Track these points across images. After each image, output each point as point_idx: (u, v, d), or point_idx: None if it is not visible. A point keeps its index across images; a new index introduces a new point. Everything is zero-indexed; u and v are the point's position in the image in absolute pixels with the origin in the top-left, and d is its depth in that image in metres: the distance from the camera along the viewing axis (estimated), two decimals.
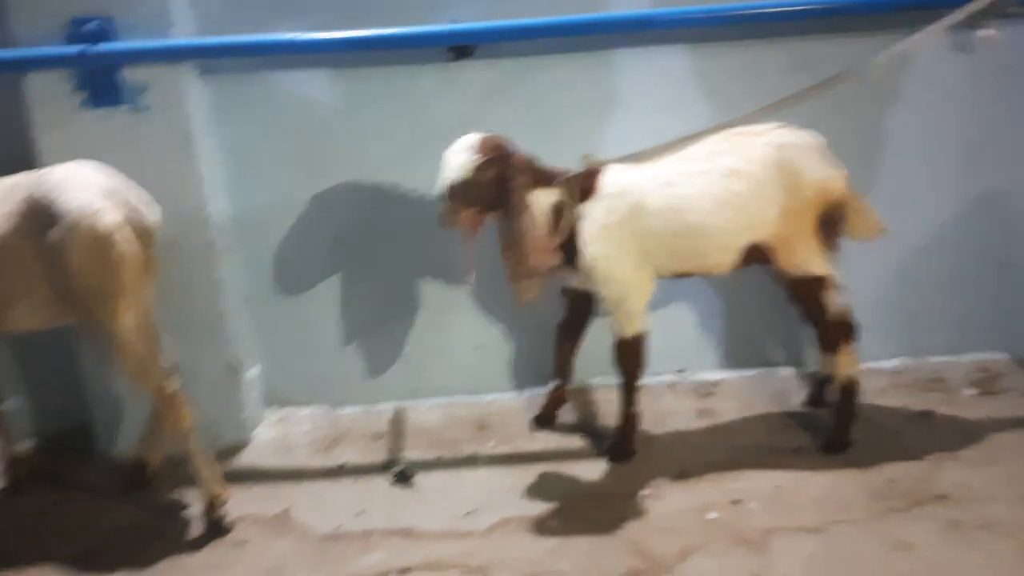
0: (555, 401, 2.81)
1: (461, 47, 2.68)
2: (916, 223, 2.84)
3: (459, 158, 2.32)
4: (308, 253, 2.88)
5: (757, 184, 2.35)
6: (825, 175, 2.38)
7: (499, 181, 2.33)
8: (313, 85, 2.72)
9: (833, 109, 2.54)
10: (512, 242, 2.36)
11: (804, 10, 2.57)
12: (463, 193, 2.31)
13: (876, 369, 2.93)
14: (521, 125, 2.73)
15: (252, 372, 2.91)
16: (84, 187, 2.15)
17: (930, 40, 2.46)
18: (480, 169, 2.31)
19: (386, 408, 2.99)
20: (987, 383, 2.88)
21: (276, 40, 2.55)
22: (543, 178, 2.41)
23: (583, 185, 2.41)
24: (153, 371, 2.28)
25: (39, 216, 2.13)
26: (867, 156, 2.76)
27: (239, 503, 2.46)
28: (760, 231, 2.39)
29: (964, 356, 3.00)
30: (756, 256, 2.43)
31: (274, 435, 2.89)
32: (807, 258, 2.41)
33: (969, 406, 2.77)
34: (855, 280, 2.62)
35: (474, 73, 2.72)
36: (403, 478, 2.58)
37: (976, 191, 2.86)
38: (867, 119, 2.78)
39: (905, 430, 2.65)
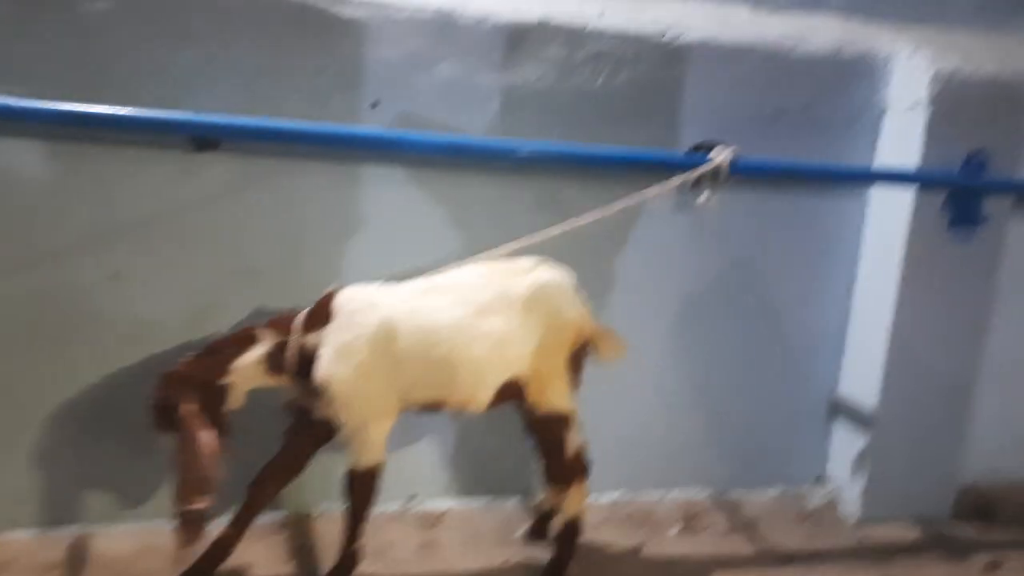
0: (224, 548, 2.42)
1: (204, 138, 2.51)
2: (635, 361, 3.01)
3: None
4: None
5: (515, 322, 2.36)
6: (580, 312, 2.46)
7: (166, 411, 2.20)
8: (20, 158, 2.40)
9: (572, 246, 2.66)
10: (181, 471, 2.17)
11: (549, 153, 2.73)
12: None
13: (592, 503, 3.01)
14: (261, 230, 2.62)
15: None
16: None
17: (657, 197, 2.72)
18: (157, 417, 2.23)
19: (64, 534, 2.58)
20: (690, 520, 3.06)
21: None
22: (227, 355, 2.25)
23: (319, 312, 2.30)
24: None
25: None
26: (601, 296, 2.91)
27: None
28: (516, 368, 2.38)
29: (671, 491, 3.18)
30: (511, 393, 2.42)
31: None
32: (556, 395, 2.44)
33: (673, 543, 2.92)
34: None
35: (218, 168, 2.55)
36: None
37: (692, 335, 3.11)
38: (602, 262, 2.95)
39: (614, 567, 2.72)
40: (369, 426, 2.32)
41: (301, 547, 2.66)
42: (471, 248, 2.62)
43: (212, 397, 2.22)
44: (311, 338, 2.27)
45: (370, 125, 2.64)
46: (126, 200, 2.50)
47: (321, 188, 2.65)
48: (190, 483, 2.12)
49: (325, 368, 2.25)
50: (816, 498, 3.26)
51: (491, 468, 3.02)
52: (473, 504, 2.99)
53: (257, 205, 2.60)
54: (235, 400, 2.28)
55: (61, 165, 2.43)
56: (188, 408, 2.16)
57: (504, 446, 2.97)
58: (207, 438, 2.14)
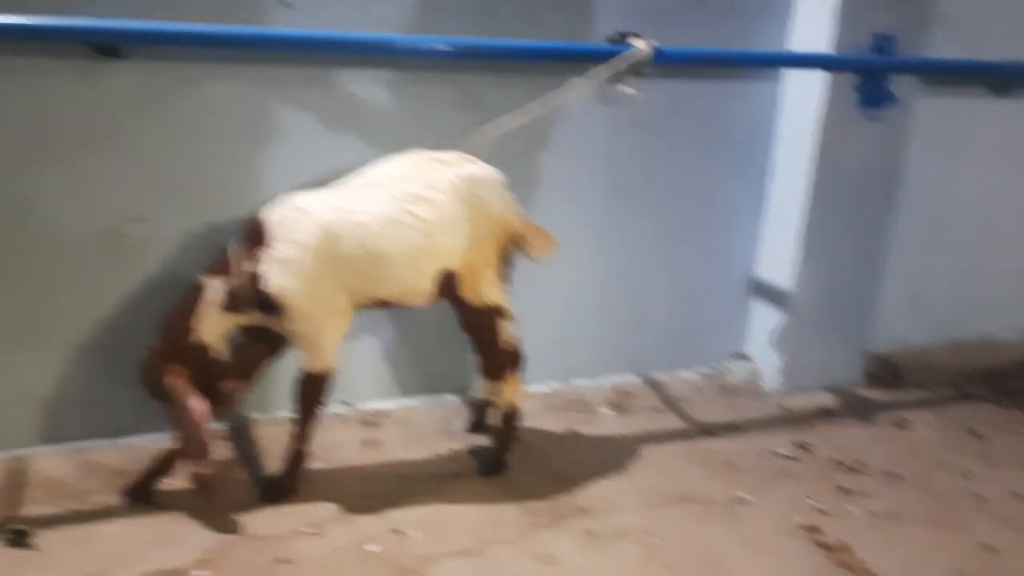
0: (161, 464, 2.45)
1: (106, 46, 2.40)
2: (564, 258, 3.09)
3: None
4: None
5: (444, 212, 2.38)
6: (507, 209, 2.49)
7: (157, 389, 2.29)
8: None
9: (496, 148, 2.67)
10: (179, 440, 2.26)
11: (467, 48, 2.69)
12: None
13: (529, 393, 3.13)
14: (175, 139, 2.54)
15: None
16: None
17: (582, 91, 2.73)
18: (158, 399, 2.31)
19: (2, 456, 2.55)
20: (621, 402, 3.21)
21: None
22: (187, 315, 2.29)
23: (253, 237, 2.30)
24: None
25: None
26: (526, 194, 2.94)
27: None
28: (450, 259, 2.42)
29: (603, 379, 3.32)
30: (446, 286, 2.46)
31: None
32: (487, 288, 2.49)
33: (607, 424, 3.07)
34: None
35: (124, 76, 2.45)
36: (19, 538, 2.21)
37: (617, 227, 3.19)
38: (526, 160, 2.97)
39: (554, 450, 2.86)
40: (324, 332, 2.35)
41: (247, 453, 2.71)
42: (391, 151, 2.59)
43: (193, 358, 2.28)
44: (254, 266, 2.27)
45: (281, 25, 2.55)
46: (28, 114, 2.38)
47: (234, 94, 2.57)
48: (191, 449, 2.20)
49: (276, 286, 2.26)
50: (737, 374, 3.45)
51: (428, 367, 3.09)
52: (413, 402, 3.07)
53: (169, 114, 2.52)
54: (217, 349, 2.32)
55: None
56: (172, 381, 2.22)
57: (439, 345, 3.04)
58: (196, 405, 2.20)
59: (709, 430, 3.06)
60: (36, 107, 2.39)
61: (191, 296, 2.30)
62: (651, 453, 2.87)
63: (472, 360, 2.70)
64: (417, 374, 3.08)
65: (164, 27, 2.36)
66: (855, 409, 3.31)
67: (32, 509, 2.36)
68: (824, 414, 3.26)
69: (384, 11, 2.67)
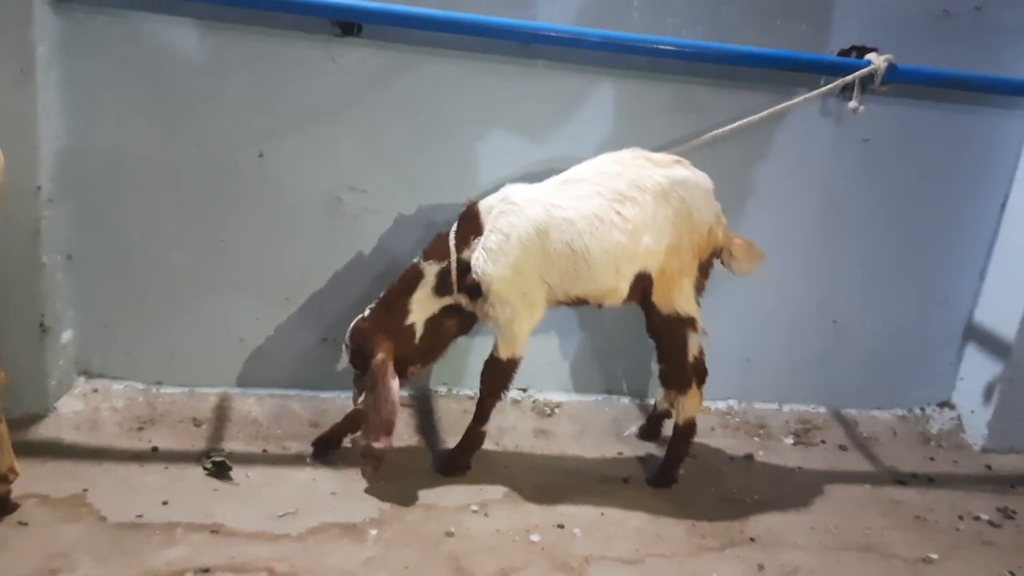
0: (349, 425, 2.58)
1: (348, 23, 2.54)
2: (764, 273, 2.96)
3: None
4: (145, 214, 2.64)
5: (648, 213, 2.35)
6: (713, 218, 2.43)
7: (361, 359, 2.40)
8: (178, 34, 2.50)
9: (708, 156, 2.60)
10: (367, 414, 2.34)
11: (691, 50, 2.63)
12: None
13: (706, 408, 3.03)
14: (400, 117, 2.66)
15: (64, 336, 2.64)
16: None
17: (808, 103, 2.61)
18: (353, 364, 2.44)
19: (211, 393, 2.79)
20: (805, 434, 3.04)
21: None
22: (405, 292, 2.40)
23: (468, 225, 2.37)
24: None
25: None
26: (735, 205, 2.84)
27: (28, 479, 2.21)
28: (648, 262, 2.39)
29: (787, 405, 3.15)
30: (640, 288, 2.43)
31: (80, 408, 2.63)
32: (680, 297, 2.44)
33: (787, 454, 2.92)
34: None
35: (359, 54, 2.59)
36: (220, 470, 2.41)
37: (825, 251, 3.02)
38: (739, 170, 2.87)
39: (728, 472, 2.75)
40: (519, 321, 2.39)
41: (426, 424, 2.81)
42: (605, 148, 2.58)
43: (401, 339, 2.39)
44: (467, 253, 2.35)
45: (513, 17, 2.60)
46: (273, 82, 2.58)
47: (460, 80, 2.65)
48: (375, 424, 2.30)
49: (485, 273, 2.33)
50: (940, 423, 3.17)
51: (606, 367, 3.07)
52: (587, 399, 3.06)
53: (397, 93, 2.64)
54: (419, 332, 2.41)
55: (213, 46, 2.52)
56: (380, 359, 2.33)
57: (620, 346, 3.02)
58: (393, 387, 2.31)
59: (900, 479, 2.84)
60: (280, 76, 2.58)
61: (410, 278, 2.40)
62: (833, 493, 2.69)
63: (654, 367, 2.65)
64: (595, 372, 3.07)
65: (401, 9, 2.47)
66: None
67: (232, 445, 2.56)
68: None
69: (612, 10, 2.66)
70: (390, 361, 2.34)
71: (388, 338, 2.37)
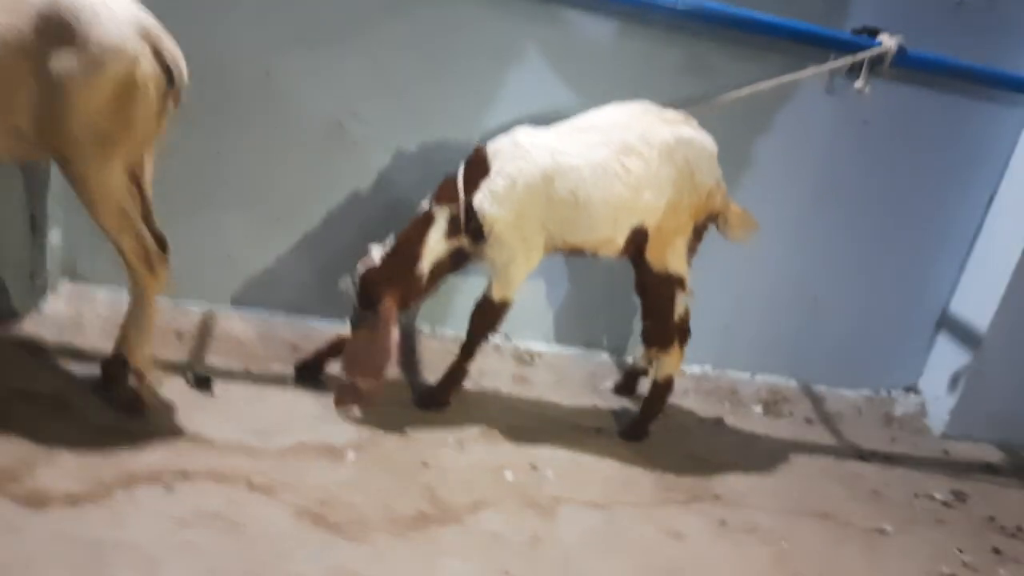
0: (333, 351, 2.58)
1: None
2: (751, 244, 3.00)
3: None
4: None
5: (652, 168, 2.36)
6: (714, 181, 2.45)
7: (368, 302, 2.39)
8: None
9: (709, 119, 2.60)
10: (355, 349, 2.36)
11: (708, 11, 2.63)
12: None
13: (681, 372, 3.07)
14: (408, 47, 2.62)
15: (52, 236, 2.61)
16: (121, 20, 1.89)
17: (815, 77, 2.63)
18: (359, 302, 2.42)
19: (197, 308, 2.78)
20: (774, 404, 3.12)
21: None
22: (414, 239, 2.38)
23: (476, 168, 2.37)
24: (134, 227, 2.06)
25: (55, 37, 1.83)
26: (732, 172, 2.84)
27: (9, 375, 2.21)
28: (646, 217, 2.41)
29: (759, 376, 3.22)
30: (637, 244, 2.45)
31: (64, 310, 2.61)
32: (673, 256, 2.47)
33: (755, 421, 3.00)
34: None
35: None
36: (202, 383, 2.42)
37: (812, 227, 3.06)
38: (739, 138, 2.88)
39: (698, 432, 2.82)
40: (516, 265, 2.42)
41: (409, 359, 2.83)
42: (611, 100, 2.58)
43: (409, 285, 2.38)
44: (476, 196, 2.35)
45: None
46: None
47: (476, 17, 2.63)
48: (366, 366, 2.32)
49: (488, 214, 2.33)
50: (904, 407, 3.26)
51: (588, 320, 3.10)
52: (566, 351, 3.09)
53: (413, 21, 2.60)
54: (427, 278, 2.41)
55: None
56: (387, 306, 2.33)
57: (603, 301, 3.05)
58: (394, 336, 2.31)
59: (862, 454, 2.93)
60: None
61: (422, 223, 2.39)
62: (797, 462, 2.78)
63: (635, 324, 2.69)
64: (576, 325, 3.10)
65: None
66: (1022, 474, 3.07)
67: (215, 361, 2.57)
68: (988, 468, 3.04)
69: None
70: (394, 305, 2.34)
71: (398, 286, 2.36)
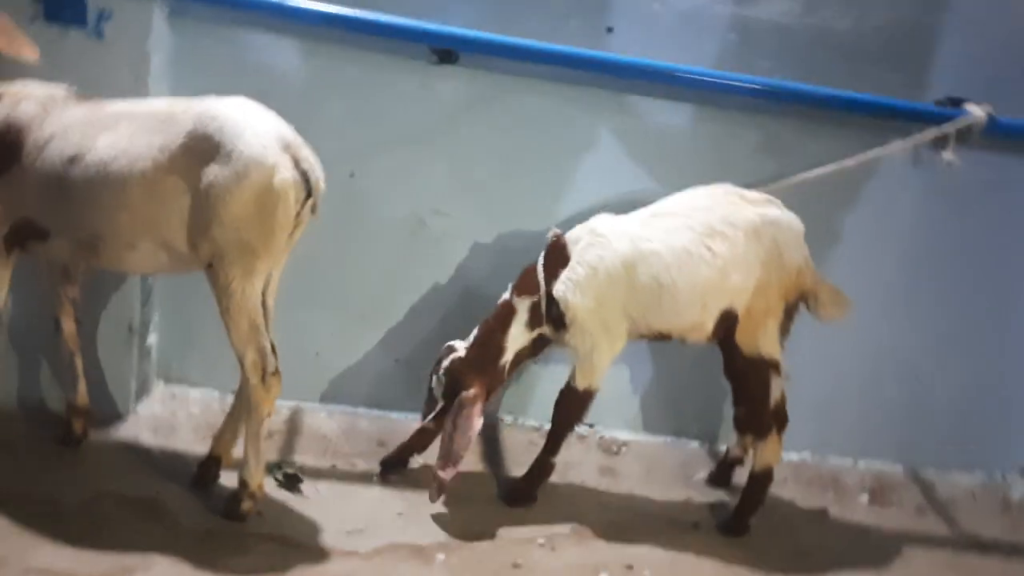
0: (416, 445, 2.57)
1: (446, 51, 2.59)
2: (846, 323, 2.89)
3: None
4: None
5: (739, 250, 2.33)
6: (803, 260, 2.39)
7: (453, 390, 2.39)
8: (283, 54, 2.57)
9: (793, 197, 2.56)
10: (444, 440, 2.34)
11: (782, 91, 2.61)
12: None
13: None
14: (488, 145, 2.69)
15: (148, 340, 2.69)
16: (263, 133, 2.01)
17: (900, 151, 2.57)
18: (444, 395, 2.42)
19: (284, 405, 2.80)
20: (881, 492, 2.93)
21: None
22: (500, 327, 2.39)
23: (554, 257, 2.38)
24: (260, 341, 2.11)
25: (204, 152, 1.96)
26: (817, 247, 2.77)
27: (106, 478, 2.25)
28: (735, 299, 2.35)
29: (863, 462, 3.04)
30: (725, 326, 2.39)
31: (159, 412, 2.67)
32: (765, 338, 2.40)
33: (861, 512, 2.82)
34: None
35: (455, 82, 2.63)
36: (291, 482, 2.42)
37: (908, 301, 2.94)
38: (825, 214, 2.81)
39: (802, 525, 2.67)
40: (599, 353, 2.38)
41: (490, 451, 2.78)
42: (688, 185, 2.56)
43: (493, 376, 2.39)
44: (556, 286, 2.35)
45: (603, 50, 2.62)
46: (369, 104, 2.63)
47: (549, 110, 2.68)
48: (445, 452, 2.30)
49: (570, 303, 2.32)
50: (1022, 490, 3.03)
51: (677, 407, 3.01)
52: (655, 440, 2.99)
53: (487, 121, 2.67)
54: (508, 367, 2.42)
55: (315, 66, 2.59)
56: (472, 394, 2.33)
57: (692, 387, 2.96)
58: (476, 425, 2.31)
59: (982, 545, 2.72)
60: (376, 98, 2.63)
61: (504, 315, 2.40)
62: (910, 555, 2.59)
63: (726, 410, 2.60)
64: (664, 412, 3.01)
65: (497, 39, 2.51)
66: None
67: (302, 458, 2.57)
68: None
69: (702, 46, 2.67)
70: (482, 400, 2.33)
71: (482, 377, 2.36)
